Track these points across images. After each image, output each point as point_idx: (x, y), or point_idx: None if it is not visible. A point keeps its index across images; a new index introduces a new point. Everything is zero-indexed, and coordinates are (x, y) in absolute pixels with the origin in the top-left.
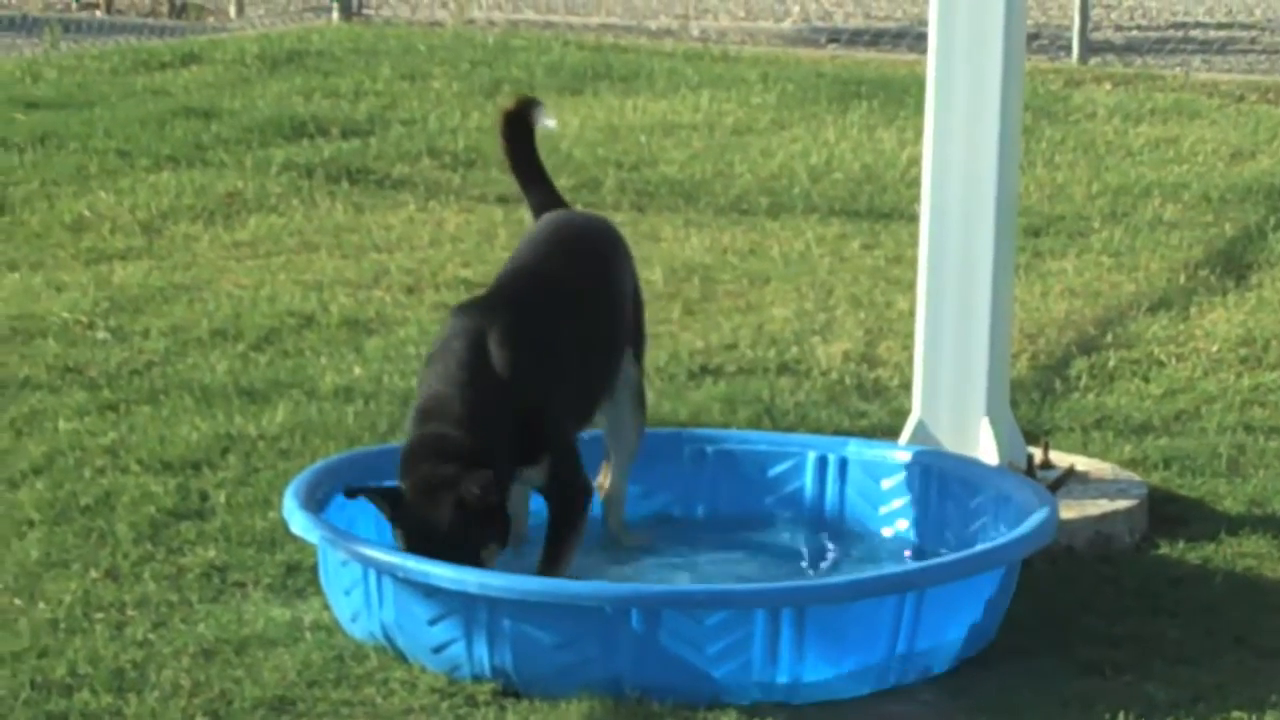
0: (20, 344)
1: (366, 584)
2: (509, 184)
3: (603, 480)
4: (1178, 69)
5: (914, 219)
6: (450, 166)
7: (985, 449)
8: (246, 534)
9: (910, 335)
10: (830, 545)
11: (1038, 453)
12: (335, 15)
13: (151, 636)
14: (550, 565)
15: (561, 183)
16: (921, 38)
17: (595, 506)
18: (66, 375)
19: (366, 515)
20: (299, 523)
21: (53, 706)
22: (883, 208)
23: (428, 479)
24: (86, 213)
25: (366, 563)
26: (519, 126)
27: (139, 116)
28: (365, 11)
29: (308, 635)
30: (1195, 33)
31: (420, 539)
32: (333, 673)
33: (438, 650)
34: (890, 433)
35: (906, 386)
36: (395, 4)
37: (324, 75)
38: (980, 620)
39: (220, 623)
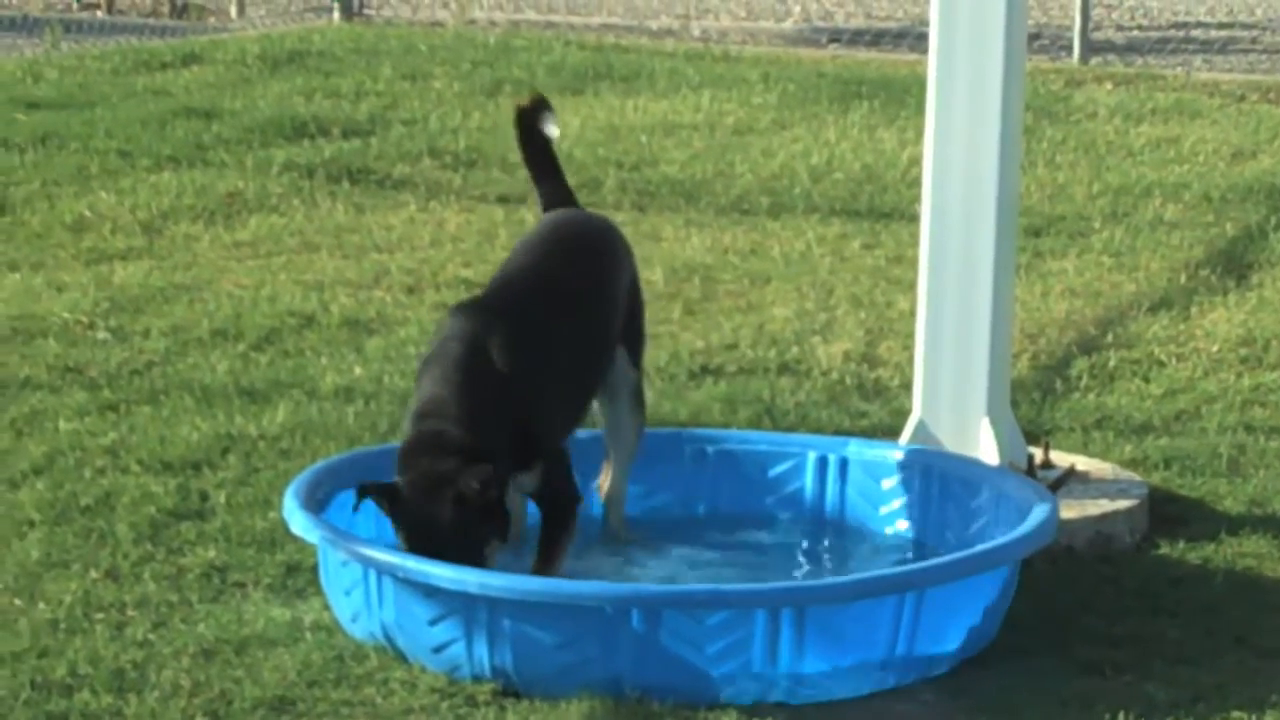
0: (21, 344)
1: (367, 584)
2: (509, 184)
3: (603, 480)
4: (1179, 69)
5: (915, 219)
6: (451, 166)
7: (986, 449)
8: (247, 534)
9: (911, 335)
10: (830, 545)
11: (1038, 453)
12: (336, 15)
13: (151, 637)
14: (545, 566)
15: None
16: (922, 38)
17: (595, 505)
18: (67, 375)
19: (367, 515)
20: (299, 523)
21: (53, 706)
22: (883, 208)
23: (426, 474)
24: (87, 213)
25: (367, 563)
26: (533, 123)
27: (140, 117)
28: (366, 11)
29: (308, 635)
30: (1196, 32)
31: (420, 535)
32: (333, 673)
33: (438, 650)
34: (891, 433)
35: (907, 386)
36: (396, 4)
37: (325, 75)
38: (980, 620)
39: (220, 623)
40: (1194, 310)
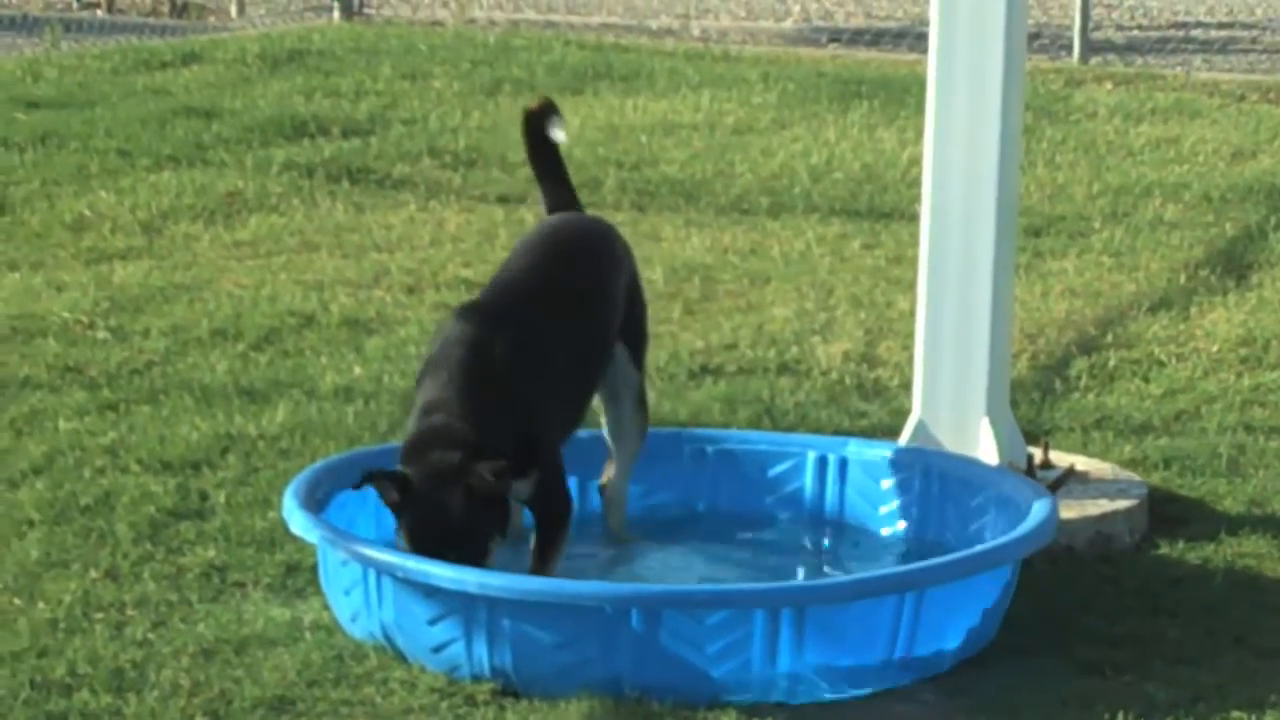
0: (20, 343)
1: (366, 584)
2: (509, 184)
3: (605, 479)
4: (1179, 69)
5: (914, 219)
6: (451, 166)
7: (985, 449)
8: (246, 534)
9: (910, 335)
10: (830, 545)
11: (1038, 453)
12: (336, 15)
13: (151, 636)
14: (540, 568)
15: None
16: (922, 37)
17: (595, 503)
18: (67, 375)
19: (366, 515)
20: (299, 522)
21: (52, 706)
22: (883, 207)
23: (437, 464)
24: (87, 212)
25: (366, 562)
26: (540, 127)
27: (140, 116)
28: (366, 11)
29: (307, 635)
30: (1196, 32)
31: (427, 524)
32: (332, 672)
33: (437, 650)
34: (890, 433)
35: (907, 386)
36: (396, 3)
37: (325, 75)
38: (980, 620)
39: (220, 622)
40: (1194, 310)
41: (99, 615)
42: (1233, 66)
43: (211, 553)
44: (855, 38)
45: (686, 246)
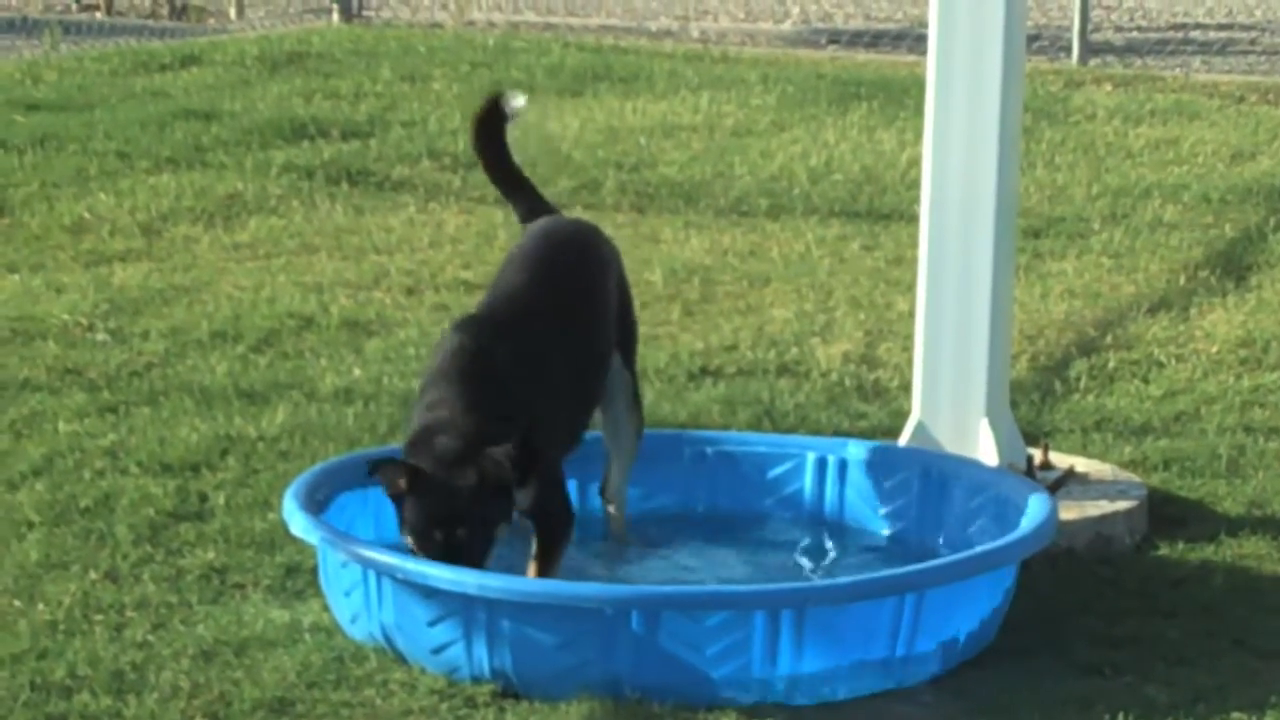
0: (20, 346)
1: (366, 585)
2: None
3: (605, 482)
4: (1178, 70)
5: (914, 220)
6: (450, 168)
7: (985, 450)
8: (246, 536)
9: (910, 336)
10: (829, 546)
11: (1037, 454)
12: (335, 17)
13: (151, 638)
14: (539, 576)
15: (562, 184)
16: (921, 39)
17: (594, 505)
18: (66, 377)
19: (365, 516)
20: (299, 524)
21: (52, 708)
22: (882, 209)
23: (447, 449)
24: (86, 215)
25: (366, 564)
26: (489, 135)
27: (139, 118)
28: (365, 13)
29: (307, 637)
30: (1195, 34)
31: (437, 509)
32: (332, 674)
33: (437, 652)
34: (890, 434)
35: (906, 388)
36: (395, 5)
37: (324, 77)
38: (979, 622)
39: (220, 624)
40: (1193, 311)
41: (99, 617)
42: (1232, 68)
43: (211, 554)
44: (854, 39)
45: (686, 248)
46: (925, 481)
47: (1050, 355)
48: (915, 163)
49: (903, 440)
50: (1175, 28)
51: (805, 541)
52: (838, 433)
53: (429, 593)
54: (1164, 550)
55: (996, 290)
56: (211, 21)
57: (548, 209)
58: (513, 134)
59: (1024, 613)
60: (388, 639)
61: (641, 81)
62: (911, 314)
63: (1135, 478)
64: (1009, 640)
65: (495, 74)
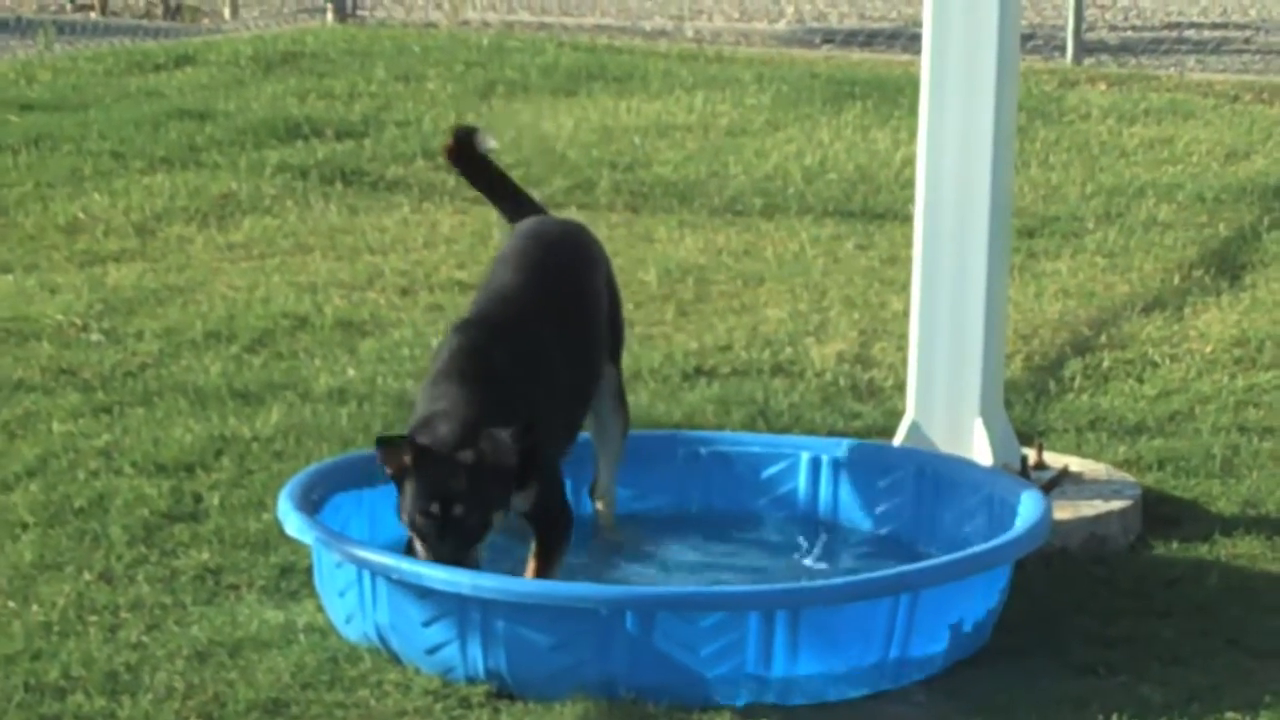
0: (14, 346)
1: (361, 586)
2: None
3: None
4: (1172, 69)
5: (908, 220)
6: (445, 168)
7: (979, 450)
8: (240, 536)
9: (904, 336)
10: (824, 547)
11: (1032, 453)
12: (329, 16)
13: (145, 639)
14: (541, 573)
15: (556, 184)
16: (916, 38)
17: (586, 505)
18: (60, 377)
19: (360, 517)
20: (294, 524)
21: (46, 709)
22: (877, 208)
23: (450, 431)
24: (80, 215)
25: (361, 565)
26: (466, 154)
27: (133, 118)
28: (359, 13)
29: (301, 637)
30: (1189, 33)
31: (439, 484)
32: (327, 675)
33: (432, 652)
34: (884, 434)
35: (901, 387)
36: (389, 5)
37: (318, 77)
38: (974, 622)
39: (214, 625)
40: (1187, 311)
41: (93, 618)
42: (1226, 67)
43: (205, 555)
44: (849, 39)
45: (680, 248)
46: (920, 481)
47: (1045, 355)
48: (910, 162)
49: (897, 440)
50: (1170, 27)
51: (799, 541)
52: (832, 432)
53: (424, 593)
54: (1159, 550)
55: (991, 290)
56: (206, 21)
57: (535, 208)
58: (505, 137)
59: (1019, 612)
60: (382, 639)
61: (636, 81)
62: (906, 313)
63: (1130, 477)
64: (1004, 640)
65: (489, 73)
